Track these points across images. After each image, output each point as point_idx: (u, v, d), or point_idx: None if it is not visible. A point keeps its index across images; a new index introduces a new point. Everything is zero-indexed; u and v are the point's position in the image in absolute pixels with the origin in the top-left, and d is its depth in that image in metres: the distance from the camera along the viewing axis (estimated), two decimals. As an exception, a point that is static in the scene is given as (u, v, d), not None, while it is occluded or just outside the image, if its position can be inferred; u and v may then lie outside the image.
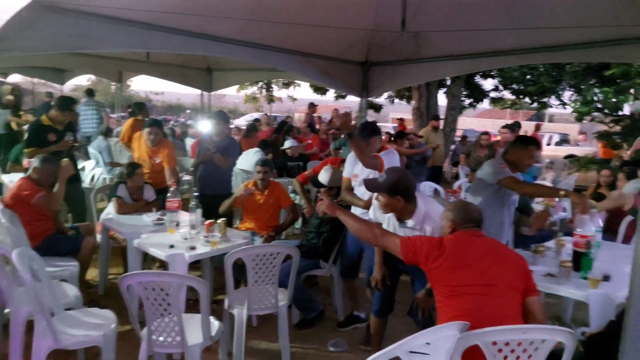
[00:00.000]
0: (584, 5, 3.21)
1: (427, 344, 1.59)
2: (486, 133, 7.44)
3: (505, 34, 4.05)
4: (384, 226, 2.59)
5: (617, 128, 8.34)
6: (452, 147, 11.07)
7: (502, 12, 3.63)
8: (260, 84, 14.18)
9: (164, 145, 4.51)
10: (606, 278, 2.60)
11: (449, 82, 11.20)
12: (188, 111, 35.02)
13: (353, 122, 3.06)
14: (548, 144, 17.86)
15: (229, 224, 3.84)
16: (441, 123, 9.94)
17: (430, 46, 4.70)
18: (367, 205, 2.99)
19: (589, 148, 16.77)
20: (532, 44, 4.24)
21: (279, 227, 4.10)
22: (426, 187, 5.99)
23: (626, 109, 7.77)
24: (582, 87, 7.34)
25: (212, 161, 4.33)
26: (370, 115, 14.80)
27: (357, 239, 3.05)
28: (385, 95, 13.54)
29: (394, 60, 5.36)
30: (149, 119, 5.01)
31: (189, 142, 8.92)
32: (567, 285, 2.58)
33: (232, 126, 17.28)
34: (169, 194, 3.78)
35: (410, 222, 2.48)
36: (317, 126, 9.47)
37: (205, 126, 5.58)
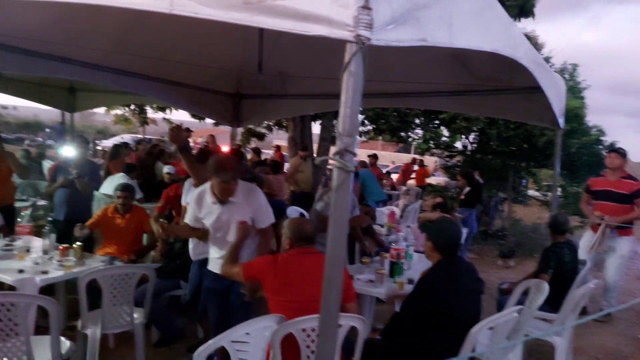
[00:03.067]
0: (427, 64, 3.95)
1: (247, 334, 1.97)
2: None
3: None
4: (202, 215, 2.86)
5: (454, 161, 10.02)
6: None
7: None
8: (133, 106, 13.74)
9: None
10: (410, 281, 3.27)
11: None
12: (47, 130, 31.43)
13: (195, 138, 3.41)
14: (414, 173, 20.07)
15: (89, 249, 3.85)
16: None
17: (294, 85, 5.27)
18: (198, 235, 3.08)
19: (442, 178, 19.25)
20: (380, 90, 5.10)
21: (141, 250, 4.19)
22: (292, 211, 6.50)
23: (458, 145, 9.42)
24: (424, 127, 8.74)
25: (72, 185, 4.29)
26: (254, 142, 15.25)
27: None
28: (266, 123, 14.16)
29: (262, 94, 5.85)
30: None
31: (47, 164, 8.24)
32: (380, 287, 3.20)
33: (99, 148, 16.18)
34: (19, 219, 3.69)
35: (233, 198, 2.79)
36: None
37: (65, 149, 5.42)
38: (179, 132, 3.18)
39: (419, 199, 12.57)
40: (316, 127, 12.74)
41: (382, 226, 6.01)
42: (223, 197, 2.78)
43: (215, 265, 2.94)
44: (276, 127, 13.35)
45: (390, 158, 28.71)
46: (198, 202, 2.87)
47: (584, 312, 4.70)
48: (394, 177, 15.32)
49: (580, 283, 3.66)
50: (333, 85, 4.63)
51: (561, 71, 9.70)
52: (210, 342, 1.86)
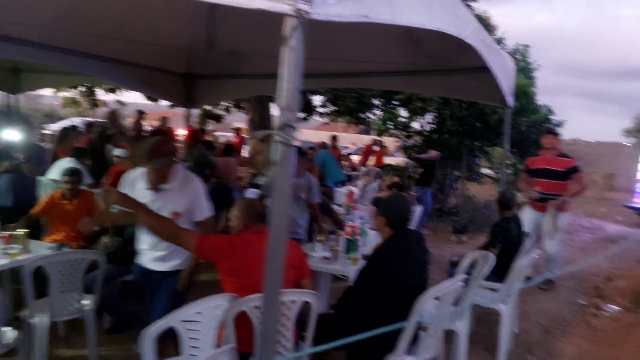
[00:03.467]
0: (379, 44, 3.96)
1: (198, 313, 1.97)
2: (312, 148, 8.41)
3: (309, 61, 4.79)
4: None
5: (412, 141, 10.24)
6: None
7: (309, 41, 4.26)
8: (82, 87, 13.08)
9: None
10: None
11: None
12: (-12, 112, 29.19)
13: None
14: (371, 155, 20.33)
15: (36, 236, 3.69)
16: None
17: (249, 64, 5.16)
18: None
19: (401, 158, 19.61)
20: (335, 70, 5.10)
21: (91, 236, 4.06)
22: (251, 192, 6.46)
23: (416, 125, 9.61)
24: (382, 108, 8.83)
25: (17, 170, 4.08)
26: (212, 125, 14.90)
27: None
28: (224, 105, 13.85)
29: (216, 74, 5.71)
30: None
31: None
32: (335, 264, 3.27)
33: (47, 132, 15.37)
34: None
35: (168, 186, 2.59)
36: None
37: (9, 133, 5.13)
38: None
39: (378, 179, 12.81)
40: (276, 109, 12.61)
41: (340, 206, 6.09)
42: (156, 183, 2.59)
43: (145, 258, 2.74)
44: (235, 108, 13.10)
45: (352, 140, 28.88)
46: (130, 187, 2.66)
47: (529, 280, 5.00)
48: (355, 158, 15.48)
49: (525, 254, 3.87)
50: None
51: (513, 52, 10.00)
52: (159, 322, 1.85)
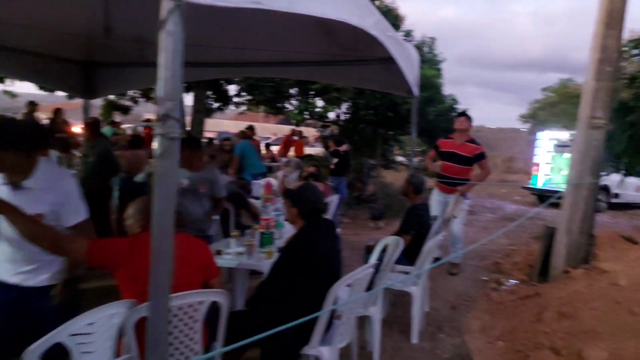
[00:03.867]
0: (294, 33, 3.89)
1: (91, 324, 1.79)
2: (227, 139, 8.13)
3: (225, 50, 4.61)
4: None
5: (329, 131, 10.40)
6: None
7: (221, 28, 4.09)
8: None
9: None
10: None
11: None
12: None
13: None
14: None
15: None
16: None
17: (155, 51, 4.87)
18: None
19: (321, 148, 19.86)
20: (249, 59, 4.97)
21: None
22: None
23: (332, 115, 9.75)
24: (299, 98, 8.84)
25: None
26: (119, 116, 13.93)
27: None
28: (130, 95, 13.00)
29: (118, 62, 5.30)
30: None
31: None
32: (250, 259, 3.19)
33: None
34: None
35: (29, 183, 2.10)
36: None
37: None
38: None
39: (298, 169, 12.84)
40: (189, 98, 12.11)
41: (258, 198, 5.99)
42: (13, 178, 2.11)
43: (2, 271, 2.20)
44: (143, 98, 12.34)
45: (273, 130, 28.68)
46: None
47: (438, 261, 5.30)
48: (275, 149, 15.37)
49: (433, 237, 4.08)
50: (202, 52, 4.35)
51: (421, 44, 10.45)
52: (44, 337, 1.66)
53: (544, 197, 11.95)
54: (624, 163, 5.86)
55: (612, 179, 9.17)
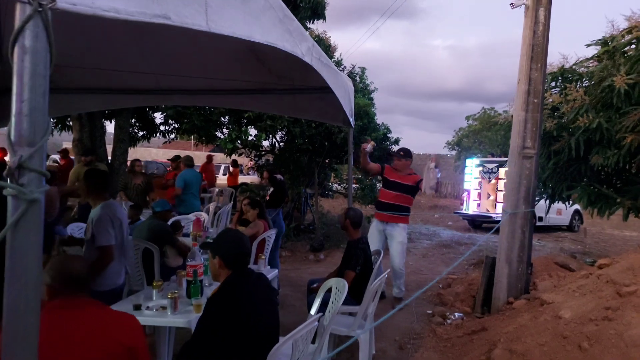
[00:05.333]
0: (225, 61, 3.61)
1: None
2: (138, 160, 7.50)
3: (144, 76, 4.21)
4: None
5: (264, 160, 10.08)
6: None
7: (138, 56, 3.71)
8: None
9: None
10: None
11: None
12: None
13: None
14: (224, 174, 19.67)
15: None
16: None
17: (66, 78, 4.36)
18: None
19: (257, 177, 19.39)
20: (175, 86, 4.60)
21: None
22: (74, 228, 5.44)
23: (266, 143, 9.47)
24: (230, 126, 8.48)
25: None
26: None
27: None
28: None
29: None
30: None
31: None
32: (175, 315, 2.76)
33: None
34: None
35: None
36: None
37: None
38: None
39: (232, 200, 12.32)
40: (111, 127, 11.30)
41: (188, 236, 5.49)
42: None
43: None
44: (58, 126, 11.34)
45: (204, 158, 27.78)
46: None
47: (382, 296, 5.11)
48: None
49: (377, 272, 3.88)
50: (121, 79, 3.89)
51: (352, 74, 10.56)
52: None
53: (476, 222, 12.39)
54: (549, 189, 6.09)
55: (539, 205, 9.67)
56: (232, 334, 2.15)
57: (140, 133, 12.45)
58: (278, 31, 2.04)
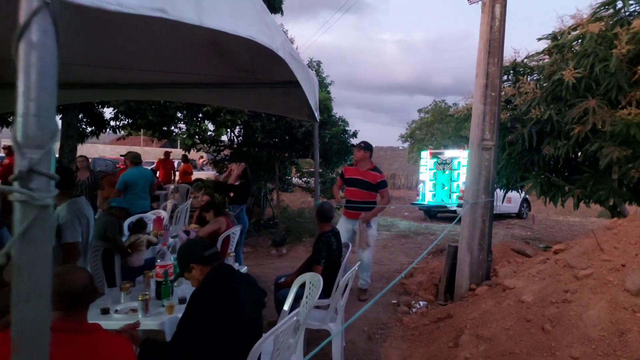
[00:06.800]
0: (185, 54, 3.46)
1: None
2: (82, 156, 7.16)
3: (99, 70, 4.00)
4: None
5: (222, 154, 9.91)
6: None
7: (92, 48, 3.52)
8: None
9: None
10: (183, 301, 2.84)
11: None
12: None
13: None
14: (177, 170, 19.14)
15: None
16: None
17: (13, 71, 4.06)
18: None
19: (212, 172, 18.99)
20: (128, 80, 4.41)
21: None
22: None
23: (224, 138, 9.29)
24: (186, 121, 8.25)
25: None
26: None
27: None
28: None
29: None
30: None
31: None
32: (146, 317, 2.67)
33: None
34: None
35: None
36: None
37: None
38: None
39: (187, 196, 12.01)
40: (58, 123, 10.72)
41: (148, 234, 5.31)
42: None
43: None
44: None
45: (156, 155, 26.88)
46: None
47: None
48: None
49: (345, 266, 3.93)
50: (69, 72, 3.69)
51: (308, 67, 10.55)
52: None
53: (431, 212, 12.79)
54: (503, 179, 6.39)
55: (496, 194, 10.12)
56: (214, 328, 2.12)
57: (89, 129, 11.89)
58: (258, 25, 2.01)
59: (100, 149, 30.67)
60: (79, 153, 9.21)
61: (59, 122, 10.71)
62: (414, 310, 4.53)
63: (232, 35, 1.88)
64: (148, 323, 2.65)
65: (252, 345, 2.08)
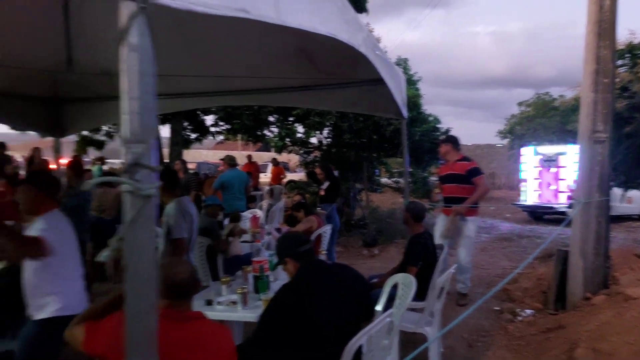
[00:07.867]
0: (272, 60, 3.67)
1: None
2: (180, 159, 7.71)
3: (202, 79, 4.32)
4: None
5: (312, 156, 10.09)
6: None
7: (196, 57, 3.80)
8: None
9: None
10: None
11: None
12: None
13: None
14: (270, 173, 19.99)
15: None
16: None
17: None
18: None
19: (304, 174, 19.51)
20: (226, 88, 4.71)
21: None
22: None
23: (314, 140, 9.46)
24: (278, 125, 8.54)
25: None
26: (93, 152, 13.47)
27: None
28: (105, 129, 12.57)
29: (86, 97, 4.97)
30: None
31: None
32: (245, 309, 2.79)
33: None
34: None
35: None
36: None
37: None
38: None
39: (281, 197, 12.43)
40: (166, 130, 11.76)
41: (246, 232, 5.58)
42: None
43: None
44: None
45: (253, 158, 28.27)
46: None
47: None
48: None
49: (441, 268, 3.75)
50: (175, 83, 4.02)
51: (396, 64, 10.33)
52: None
53: (536, 213, 11.81)
54: (622, 176, 5.69)
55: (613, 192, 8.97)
56: (292, 321, 2.14)
57: (193, 135, 12.85)
58: (337, 21, 2.01)
59: (204, 154, 33.00)
60: (185, 158, 10.01)
61: (165, 129, 11.72)
62: (519, 318, 4.20)
63: (317, 40, 1.90)
64: (247, 315, 2.77)
65: (343, 341, 2.06)
